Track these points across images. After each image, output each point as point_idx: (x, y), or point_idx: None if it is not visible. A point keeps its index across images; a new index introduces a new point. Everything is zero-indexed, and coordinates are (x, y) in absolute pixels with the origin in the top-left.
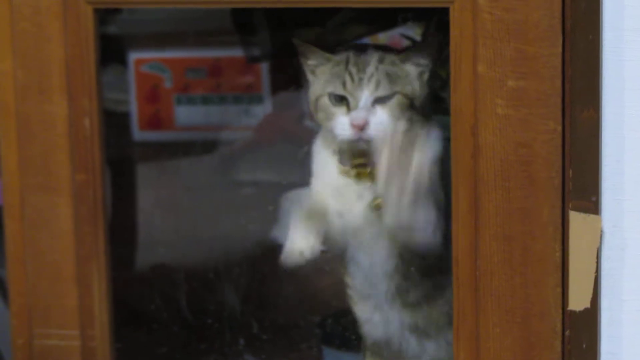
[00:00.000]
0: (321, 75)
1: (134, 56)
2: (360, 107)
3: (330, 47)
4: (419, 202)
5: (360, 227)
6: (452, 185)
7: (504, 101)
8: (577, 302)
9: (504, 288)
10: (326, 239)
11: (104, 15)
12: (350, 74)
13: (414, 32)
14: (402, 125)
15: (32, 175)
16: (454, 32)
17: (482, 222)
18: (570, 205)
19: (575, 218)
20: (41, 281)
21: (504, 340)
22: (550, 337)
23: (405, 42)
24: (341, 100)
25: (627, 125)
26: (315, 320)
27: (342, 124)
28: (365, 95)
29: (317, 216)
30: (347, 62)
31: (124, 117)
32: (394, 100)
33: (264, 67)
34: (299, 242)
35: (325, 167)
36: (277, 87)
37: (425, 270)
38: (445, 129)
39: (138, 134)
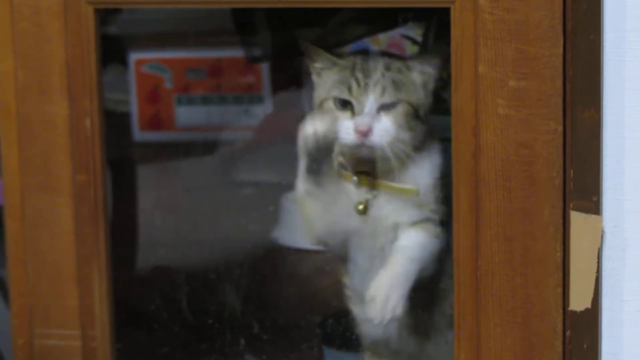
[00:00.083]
0: (327, 79)
1: (134, 56)
2: (365, 113)
3: (331, 47)
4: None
5: (359, 228)
6: (453, 187)
7: (505, 101)
8: (578, 302)
9: (504, 288)
10: (328, 237)
11: (104, 16)
12: (357, 79)
13: (415, 32)
14: (405, 134)
15: (33, 176)
16: (455, 32)
17: (483, 222)
18: (571, 206)
19: (576, 218)
20: (42, 281)
21: (505, 340)
22: (551, 338)
23: (406, 43)
24: (346, 104)
25: (628, 125)
26: (315, 320)
27: (346, 128)
28: (371, 101)
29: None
30: (353, 67)
31: (125, 117)
32: (399, 108)
33: (264, 68)
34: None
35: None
36: (277, 87)
37: (425, 278)
38: (446, 129)
39: (138, 134)
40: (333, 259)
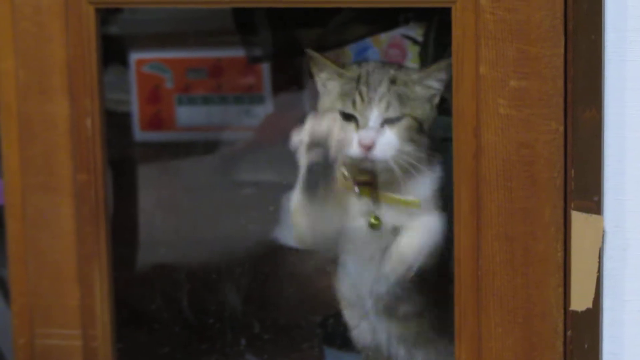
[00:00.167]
0: (332, 90)
1: (135, 56)
2: (369, 127)
3: (332, 47)
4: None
5: (352, 238)
6: (454, 187)
7: (506, 101)
8: (579, 302)
9: (505, 288)
10: (317, 245)
11: (105, 16)
12: (361, 94)
13: (416, 32)
14: (409, 147)
15: (34, 175)
16: (456, 32)
17: (484, 222)
18: (572, 206)
19: (577, 218)
20: (42, 281)
21: (506, 340)
22: (552, 338)
23: (407, 43)
24: (350, 118)
25: (629, 125)
26: (316, 320)
27: (349, 142)
28: (375, 115)
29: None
30: (358, 80)
31: (125, 117)
32: (403, 122)
33: (265, 68)
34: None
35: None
36: (278, 87)
37: (415, 289)
38: (447, 129)
39: (139, 134)
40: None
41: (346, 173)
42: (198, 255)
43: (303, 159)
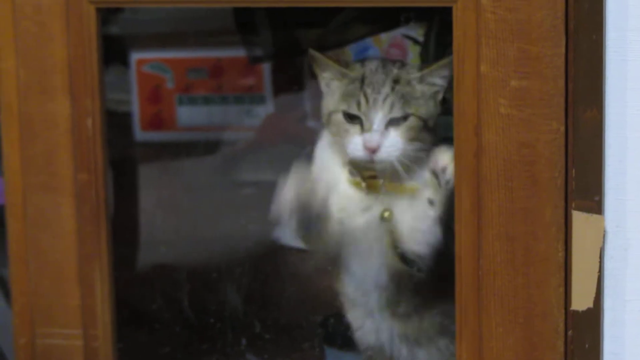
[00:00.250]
0: (336, 90)
1: (135, 56)
2: (374, 130)
3: (333, 47)
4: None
5: (358, 236)
6: (455, 186)
7: (507, 101)
8: (580, 302)
9: (506, 288)
10: (322, 242)
11: (105, 16)
12: (365, 95)
13: (416, 32)
14: (414, 145)
15: (35, 175)
16: (457, 32)
17: (485, 221)
18: (573, 205)
19: (578, 218)
20: (43, 281)
21: (507, 340)
22: (553, 337)
23: (408, 43)
24: (355, 119)
25: (630, 125)
26: (317, 320)
27: (355, 144)
28: (379, 117)
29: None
30: (362, 81)
31: (126, 117)
32: (408, 122)
33: (266, 68)
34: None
35: (328, 169)
36: (279, 87)
37: (418, 285)
38: (448, 128)
39: (140, 134)
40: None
41: (352, 169)
42: (199, 255)
43: (290, 224)
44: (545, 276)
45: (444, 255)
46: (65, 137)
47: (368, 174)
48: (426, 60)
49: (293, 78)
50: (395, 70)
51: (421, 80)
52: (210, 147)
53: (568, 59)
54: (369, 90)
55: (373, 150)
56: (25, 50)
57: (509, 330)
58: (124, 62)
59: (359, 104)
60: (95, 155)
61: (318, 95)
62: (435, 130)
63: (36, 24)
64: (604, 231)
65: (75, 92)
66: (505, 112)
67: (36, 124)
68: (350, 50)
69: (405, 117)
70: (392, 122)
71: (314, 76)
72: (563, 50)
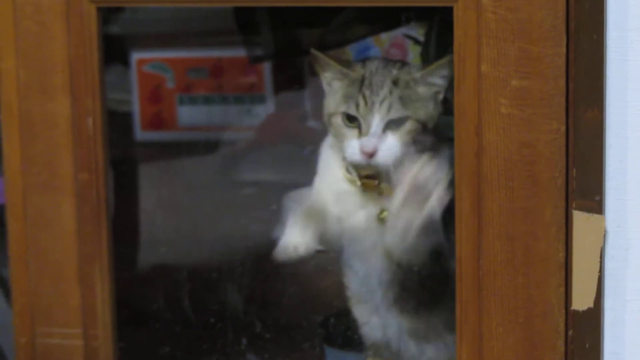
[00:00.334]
0: (337, 90)
1: (136, 56)
2: (371, 133)
3: (333, 46)
4: (425, 233)
5: (357, 236)
6: (455, 186)
7: (508, 101)
8: (580, 302)
9: (507, 288)
10: (323, 241)
11: (106, 15)
12: (364, 96)
13: (417, 32)
14: (412, 148)
15: (35, 175)
16: (457, 31)
17: (486, 221)
18: (573, 205)
19: (579, 218)
20: (44, 280)
21: (507, 340)
22: (553, 337)
23: (408, 42)
24: (354, 120)
25: (631, 125)
26: (317, 319)
27: (352, 147)
28: (377, 120)
29: (316, 216)
30: (362, 82)
31: (126, 117)
32: (406, 126)
33: (266, 67)
34: (294, 238)
35: (330, 168)
36: (279, 87)
37: (423, 282)
38: (449, 128)
39: (140, 134)
40: (335, 259)
41: (349, 167)
42: (199, 255)
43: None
44: (545, 276)
45: (443, 257)
46: (66, 136)
47: (365, 172)
48: (427, 60)
49: (293, 78)
50: (394, 71)
51: (421, 80)
52: (210, 146)
53: (569, 59)
54: (367, 92)
55: (370, 155)
56: (25, 49)
57: (509, 330)
58: (125, 62)
59: (357, 106)
60: (96, 155)
61: (318, 95)
62: (436, 132)
63: (37, 23)
64: (605, 231)
65: (76, 91)
66: (506, 112)
67: (36, 124)
68: (350, 50)
69: (403, 120)
70: (389, 125)
71: (314, 75)
72: (564, 50)
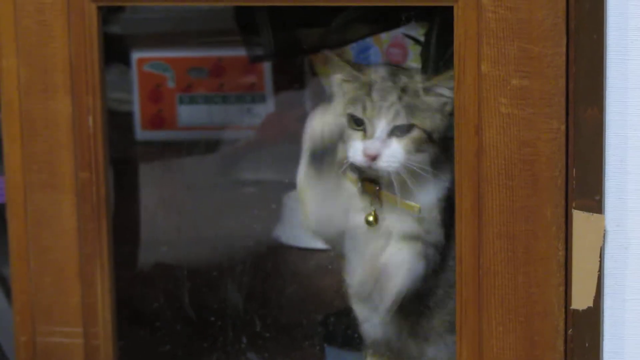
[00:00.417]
0: (347, 92)
1: (136, 55)
2: (375, 137)
3: (333, 46)
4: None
5: (356, 236)
6: (455, 185)
7: (508, 100)
8: (580, 301)
9: (506, 287)
10: (322, 229)
11: (106, 15)
12: (372, 100)
13: (417, 32)
14: (415, 158)
15: (36, 173)
16: (458, 31)
17: (486, 220)
18: (573, 205)
19: (579, 217)
20: (44, 279)
21: (507, 338)
22: (553, 336)
23: (408, 42)
24: (360, 123)
25: (631, 124)
26: (317, 318)
27: (355, 149)
28: (382, 124)
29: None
30: (371, 86)
31: (127, 116)
32: (411, 134)
33: (266, 67)
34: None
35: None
36: (279, 86)
37: (424, 288)
38: (449, 128)
39: (141, 133)
40: (335, 258)
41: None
42: (199, 254)
43: (307, 142)
44: (545, 275)
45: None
46: (66, 135)
47: (365, 175)
48: (426, 60)
49: (293, 77)
50: (404, 79)
51: (429, 90)
52: (210, 146)
53: (569, 58)
54: (375, 97)
55: (372, 158)
56: (26, 48)
57: (509, 329)
58: (125, 61)
59: (364, 109)
60: (96, 153)
61: (318, 95)
62: (443, 142)
63: (37, 22)
64: (605, 230)
65: (77, 90)
66: (506, 111)
67: (37, 122)
68: (351, 50)
69: (408, 128)
70: (395, 131)
71: (314, 75)
72: (564, 49)
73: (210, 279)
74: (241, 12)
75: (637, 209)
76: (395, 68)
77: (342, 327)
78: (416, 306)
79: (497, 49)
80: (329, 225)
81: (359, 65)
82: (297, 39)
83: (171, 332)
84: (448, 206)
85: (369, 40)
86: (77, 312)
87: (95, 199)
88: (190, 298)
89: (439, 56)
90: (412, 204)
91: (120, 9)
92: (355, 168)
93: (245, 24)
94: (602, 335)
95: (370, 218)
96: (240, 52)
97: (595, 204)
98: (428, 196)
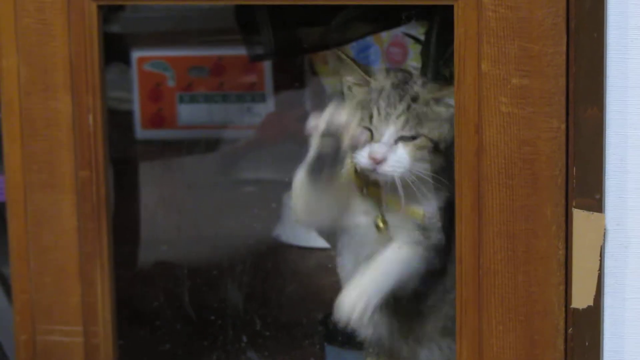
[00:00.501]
0: (357, 95)
1: (136, 54)
2: (382, 142)
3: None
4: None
5: (355, 236)
6: (455, 184)
7: (508, 99)
8: (580, 300)
9: (506, 286)
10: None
11: (107, 14)
12: (378, 108)
13: (417, 31)
14: (420, 166)
15: (36, 172)
16: (458, 30)
17: (486, 220)
18: (573, 203)
19: (579, 216)
20: (44, 278)
21: (507, 338)
22: (553, 335)
23: (409, 41)
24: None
25: (631, 123)
26: (317, 317)
27: (361, 152)
28: (390, 131)
29: None
30: (380, 93)
31: (127, 115)
32: (418, 142)
33: (266, 66)
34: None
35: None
36: (280, 85)
37: (417, 294)
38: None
39: (141, 132)
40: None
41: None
42: (199, 253)
43: (314, 144)
44: (545, 274)
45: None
46: (66, 134)
47: (371, 179)
48: (427, 59)
49: (294, 76)
50: (415, 88)
51: (440, 100)
52: (211, 145)
53: (569, 57)
54: (383, 104)
55: (377, 162)
56: (26, 47)
57: (509, 328)
58: (125, 60)
59: (371, 117)
60: (97, 152)
61: (319, 94)
62: (448, 152)
63: (38, 21)
64: (605, 229)
65: (77, 89)
66: (506, 110)
67: (37, 122)
68: (351, 49)
69: (415, 137)
70: (401, 139)
71: (314, 75)
72: (564, 48)
73: (210, 278)
74: (241, 11)
75: (637, 208)
76: (407, 74)
77: (342, 326)
78: (413, 307)
79: (497, 48)
80: (318, 223)
81: (369, 69)
82: (297, 37)
83: (171, 331)
84: (450, 212)
85: (369, 39)
86: (77, 311)
87: (95, 198)
88: (190, 297)
89: (439, 55)
90: (417, 209)
91: (120, 7)
92: (360, 172)
93: (245, 22)
94: (602, 334)
95: (381, 224)
96: (241, 51)
97: (596, 203)
98: (431, 202)
